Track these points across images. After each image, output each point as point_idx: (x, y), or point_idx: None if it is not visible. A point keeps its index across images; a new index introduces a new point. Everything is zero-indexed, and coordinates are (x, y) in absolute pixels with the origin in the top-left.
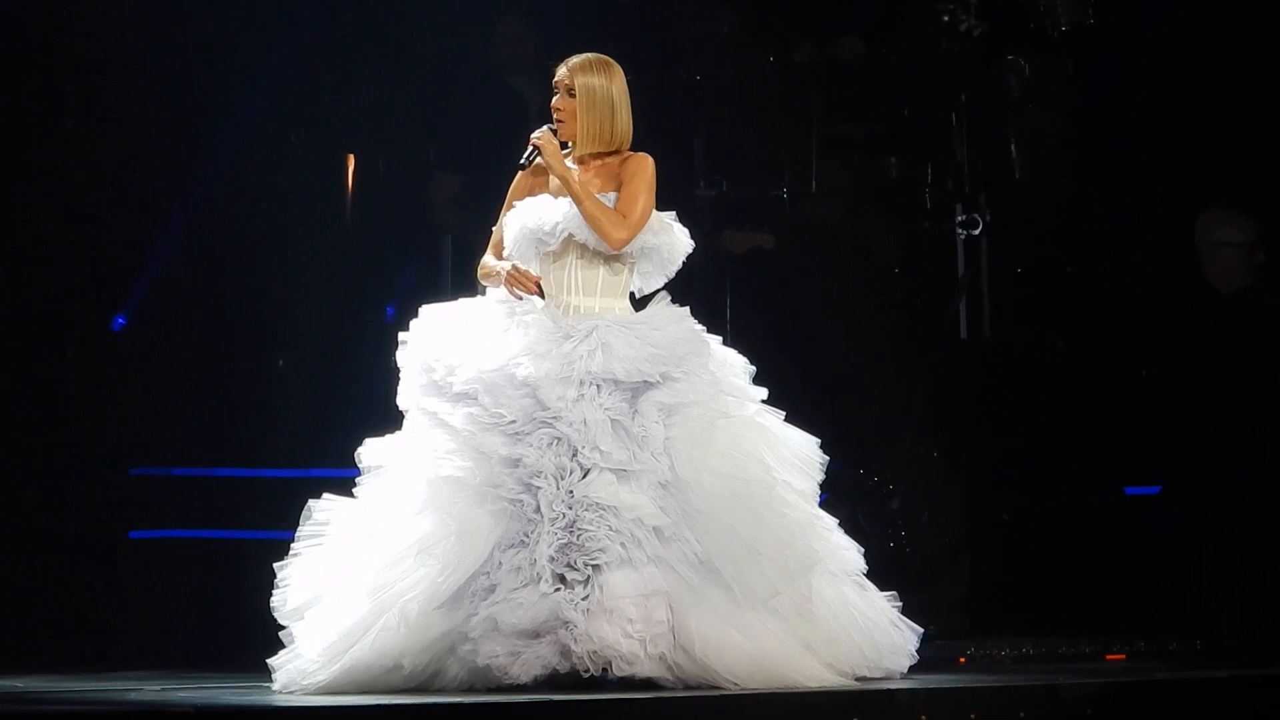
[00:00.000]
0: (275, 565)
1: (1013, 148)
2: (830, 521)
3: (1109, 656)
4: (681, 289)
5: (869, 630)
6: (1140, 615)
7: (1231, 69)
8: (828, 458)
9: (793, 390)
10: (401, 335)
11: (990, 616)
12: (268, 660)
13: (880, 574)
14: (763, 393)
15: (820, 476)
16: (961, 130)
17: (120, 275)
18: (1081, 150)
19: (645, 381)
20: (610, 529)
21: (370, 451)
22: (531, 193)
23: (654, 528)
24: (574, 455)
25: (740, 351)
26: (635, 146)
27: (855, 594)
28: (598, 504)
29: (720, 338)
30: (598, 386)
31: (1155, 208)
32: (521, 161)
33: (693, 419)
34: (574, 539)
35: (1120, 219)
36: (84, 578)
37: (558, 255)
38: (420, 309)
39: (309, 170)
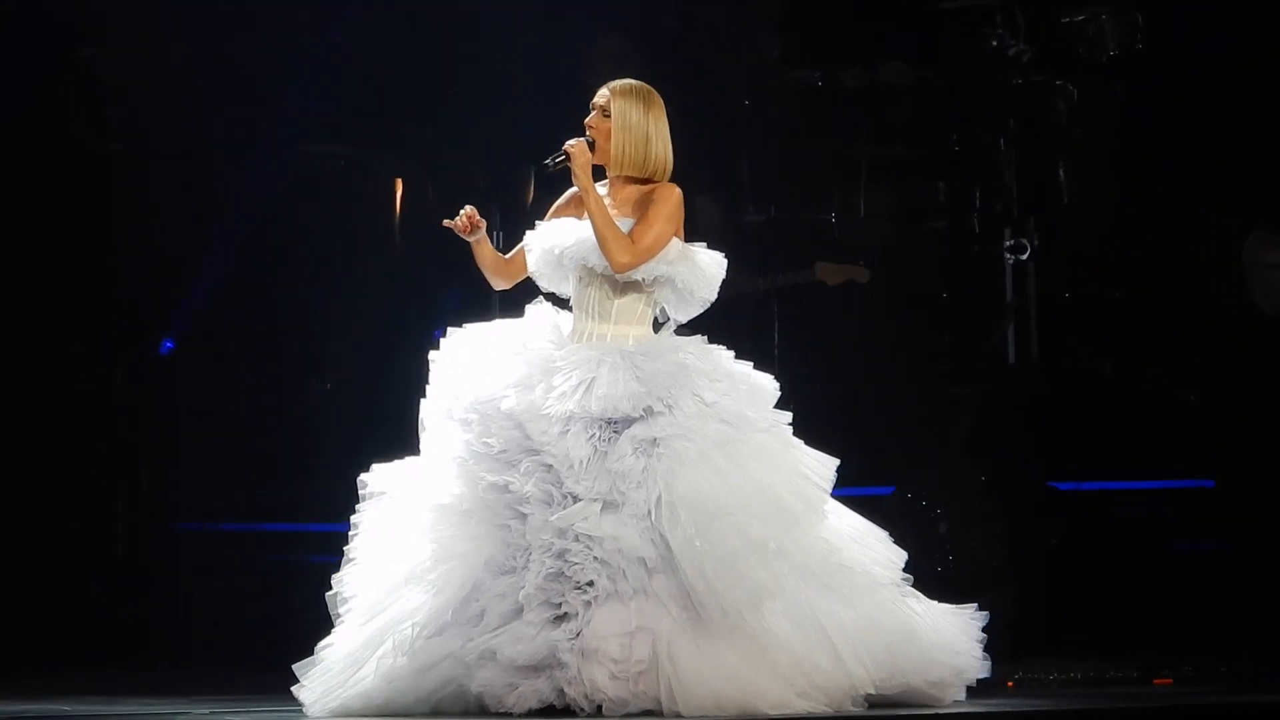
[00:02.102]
0: (346, 548)
1: (1060, 172)
2: (856, 534)
3: (1157, 681)
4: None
5: (898, 645)
6: (1188, 638)
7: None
8: (833, 475)
9: (840, 414)
10: (432, 355)
11: (1037, 640)
12: (294, 667)
13: (928, 596)
14: (784, 416)
15: (826, 495)
16: (1009, 155)
17: (168, 299)
18: (1129, 174)
19: (628, 416)
20: (596, 559)
21: (375, 478)
22: (569, 216)
23: (639, 559)
24: (560, 485)
25: (787, 376)
26: (683, 172)
27: (879, 609)
28: (584, 534)
29: (751, 363)
30: (581, 422)
31: (1202, 231)
32: (547, 162)
33: (673, 452)
34: (563, 569)
35: (1167, 242)
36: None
37: (584, 280)
38: (448, 331)
39: (358, 194)
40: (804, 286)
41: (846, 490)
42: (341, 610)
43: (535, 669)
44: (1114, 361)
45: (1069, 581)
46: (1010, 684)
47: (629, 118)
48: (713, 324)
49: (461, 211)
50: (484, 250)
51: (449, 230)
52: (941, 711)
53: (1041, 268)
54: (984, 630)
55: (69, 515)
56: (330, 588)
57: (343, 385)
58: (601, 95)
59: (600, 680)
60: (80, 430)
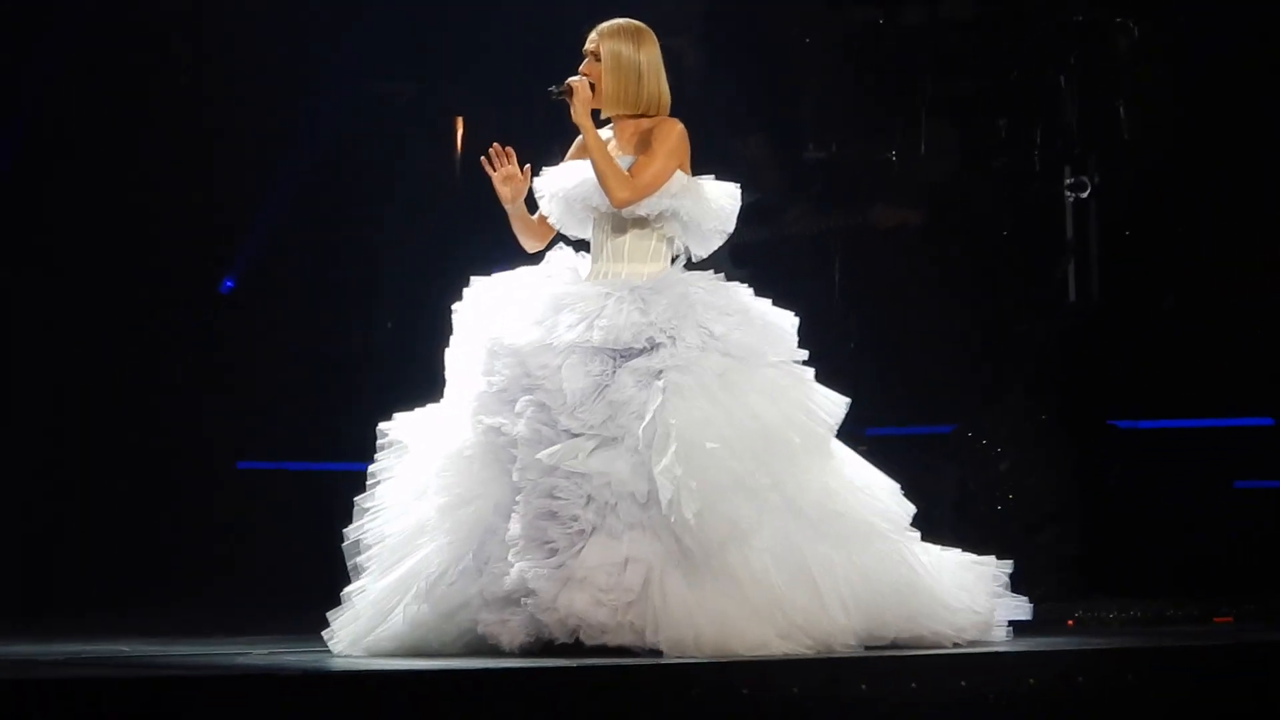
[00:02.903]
0: (356, 498)
1: (1121, 110)
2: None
3: (1217, 619)
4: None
5: (888, 598)
6: (1249, 576)
7: None
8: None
9: (901, 353)
10: (455, 305)
11: (1098, 578)
12: (327, 614)
13: (988, 535)
14: (800, 354)
15: (829, 436)
16: (1070, 92)
17: (229, 238)
18: (1190, 112)
19: (630, 348)
20: (584, 496)
21: (394, 427)
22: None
23: (630, 494)
24: (554, 424)
25: (847, 316)
26: (740, 110)
27: (873, 559)
28: (572, 472)
29: (769, 300)
30: (582, 354)
31: (1265, 168)
32: (551, 88)
33: (673, 384)
34: (551, 506)
35: (1229, 180)
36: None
37: (596, 222)
38: (471, 280)
39: (419, 133)
40: (858, 229)
41: (907, 429)
42: (364, 558)
43: (513, 601)
44: (1175, 299)
45: (1130, 520)
46: (1070, 622)
47: (620, 57)
48: (772, 262)
49: (491, 150)
50: (518, 214)
51: (499, 204)
52: (1004, 649)
53: (1102, 205)
54: (1033, 571)
55: (127, 453)
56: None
57: (404, 325)
58: (591, 40)
59: (579, 605)
60: (138, 367)
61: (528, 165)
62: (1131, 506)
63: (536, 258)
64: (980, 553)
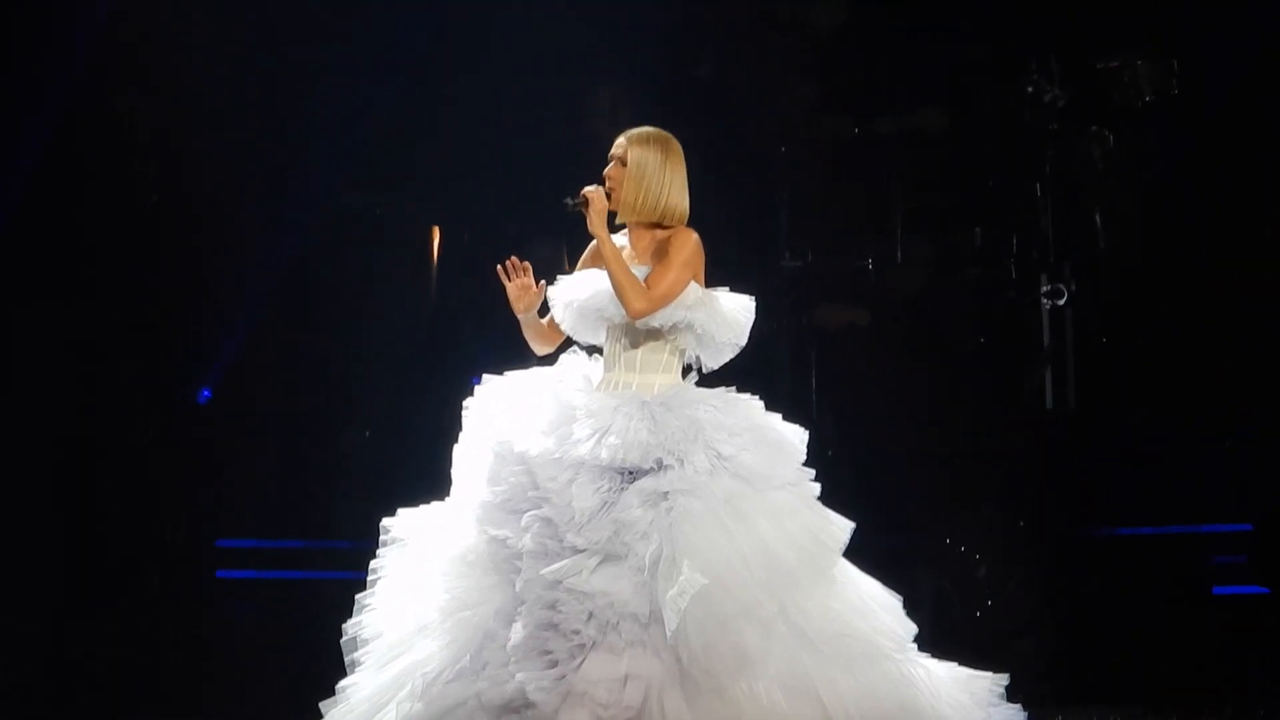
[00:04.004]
0: (358, 595)
1: (1097, 218)
2: (863, 602)
3: None
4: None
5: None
6: (1228, 683)
7: None
8: (846, 539)
9: (879, 461)
10: (466, 402)
11: (1078, 685)
12: (320, 704)
13: (966, 641)
14: (808, 473)
15: (834, 559)
16: (1045, 201)
17: (206, 348)
18: (1165, 220)
19: (639, 467)
20: (586, 612)
21: (397, 523)
22: (593, 268)
23: (632, 613)
24: (560, 539)
25: (823, 422)
26: (719, 218)
27: (879, 679)
28: (575, 589)
29: (780, 414)
30: (591, 472)
31: (1239, 275)
32: (566, 200)
33: (680, 507)
34: (554, 619)
35: (1204, 287)
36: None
37: (611, 331)
38: (483, 378)
39: (394, 242)
40: (806, 330)
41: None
42: (360, 654)
43: (513, 710)
44: (1151, 406)
45: (1108, 626)
46: None
47: (645, 165)
48: (747, 370)
49: (509, 262)
50: (531, 323)
51: (484, 279)
52: None
53: (1078, 313)
54: (1012, 677)
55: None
56: (346, 633)
57: (380, 433)
58: (619, 145)
59: None
60: (117, 480)
61: (543, 282)
62: (1110, 613)
63: (507, 359)
64: (959, 660)
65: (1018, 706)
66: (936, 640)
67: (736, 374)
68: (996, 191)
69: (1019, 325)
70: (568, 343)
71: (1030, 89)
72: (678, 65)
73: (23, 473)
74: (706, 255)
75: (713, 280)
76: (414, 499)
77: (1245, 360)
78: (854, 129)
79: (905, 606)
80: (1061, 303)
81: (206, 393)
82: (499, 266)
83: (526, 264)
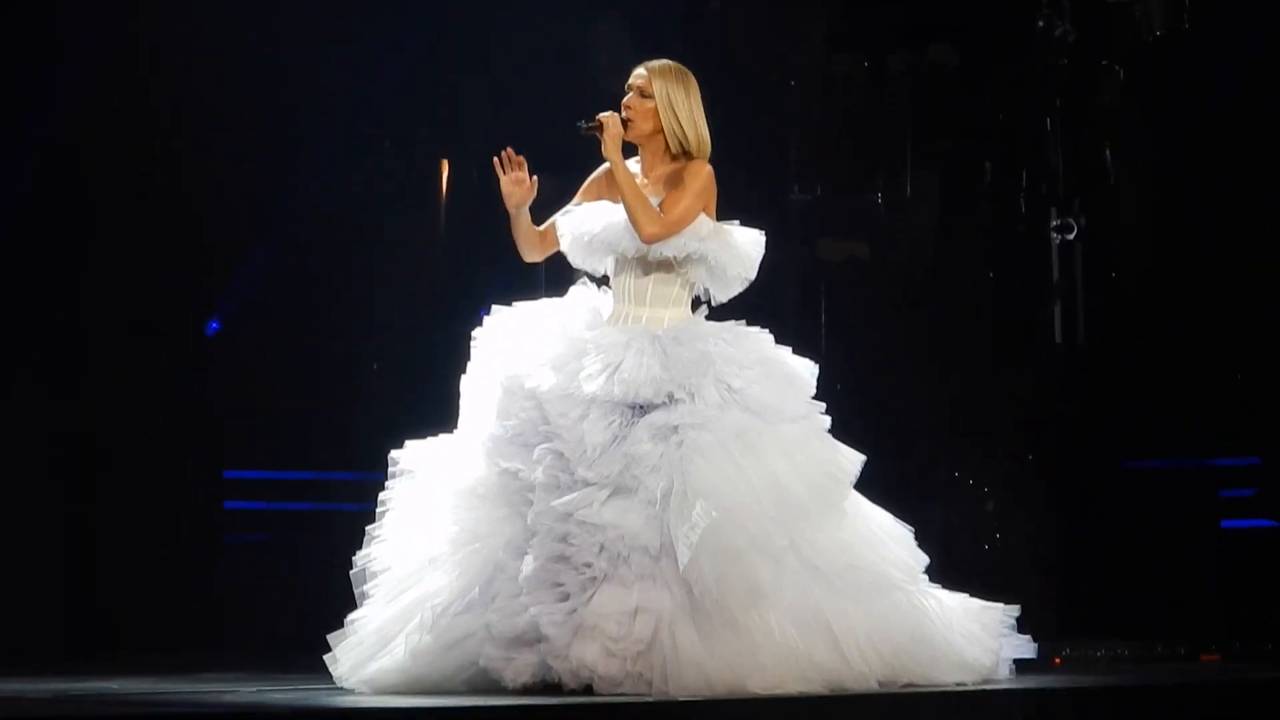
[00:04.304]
0: (368, 528)
1: (1107, 153)
2: (874, 533)
3: (1204, 657)
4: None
5: (905, 646)
6: (1236, 615)
7: None
8: (857, 470)
9: (888, 395)
10: (475, 332)
11: (1085, 618)
12: (328, 636)
13: (974, 575)
14: (818, 405)
15: (845, 492)
16: (1056, 136)
17: (216, 280)
18: (1176, 154)
19: (650, 402)
20: (597, 545)
21: (406, 455)
22: (599, 197)
23: (643, 546)
24: (571, 473)
25: (834, 359)
26: (728, 151)
27: (889, 610)
28: (586, 520)
29: (790, 348)
30: (602, 407)
31: (1250, 210)
32: (580, 123)
33: (691, 441)
34: (565, 551)
35: (1215, 222)
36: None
37: (618, 264)
38: (492, 309)
39: (403, 177)
40: (817, 264)
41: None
42: (369, 586)
43: (525, 643)
44: (1160, 341)
45: (1117, 559)
46: (1058, 660)
47: (674, 98)
48: (756, 303)
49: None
50: (522, 222)
51: (494, 212)
52: (994, 688)
53: (1088, 248)
54: (1028, 611)
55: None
56: (355, 565)
57: (389, 365)
58: (638, 76)
59: (590, 656)
60: (125, 415)
61: (535, 176)
62: (1118, 547)
63: (553, 283)
64: (969, 594)
65: (1027, 637)
66: (946, 574)
67: (746, 308)
68: (1006, 127)
69: (1028, 260)
70: (557, 257)
71: (1041, 24)
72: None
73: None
74: (717, 188)
75: (722, 214)
76: (423, 431)
77: (1256, 293)
78: (864, 64)
79: (915, 540)
80: (1071, 237)
81: (215, 325)
82: (494, 159)
83: (521, 158)
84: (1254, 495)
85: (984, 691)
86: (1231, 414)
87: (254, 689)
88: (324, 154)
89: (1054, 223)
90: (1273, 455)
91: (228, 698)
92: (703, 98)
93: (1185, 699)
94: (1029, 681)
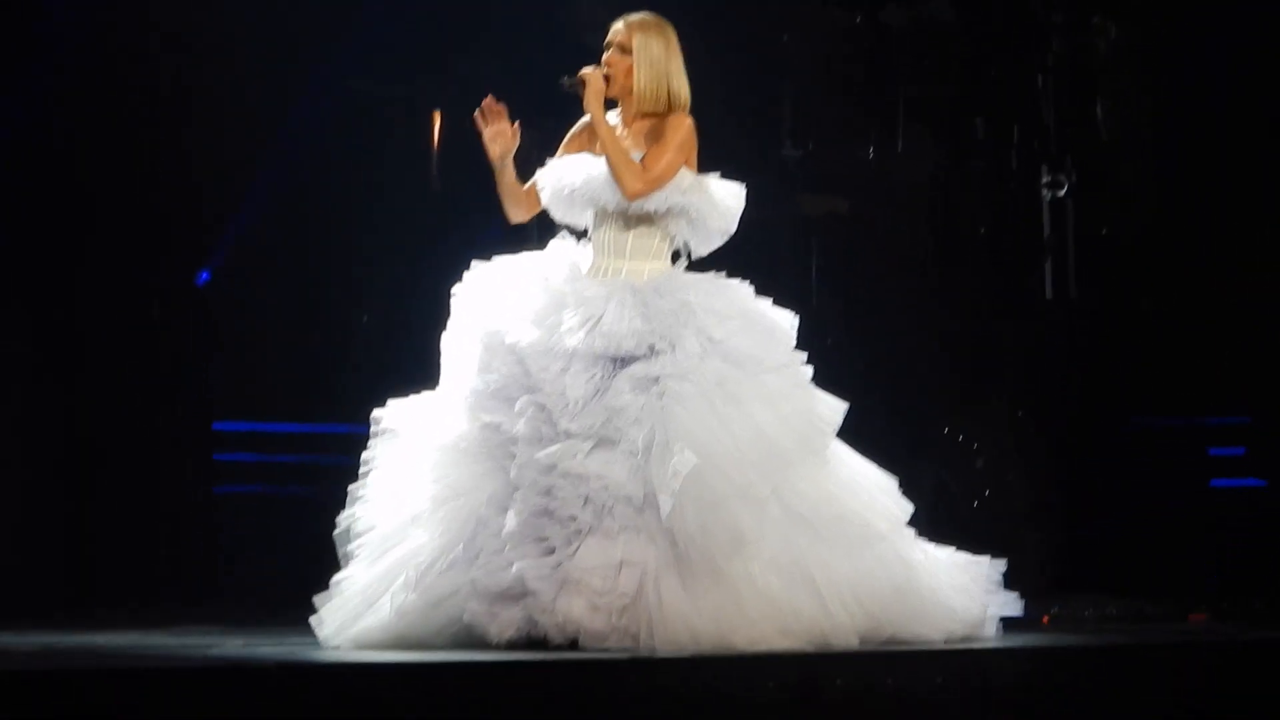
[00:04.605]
0: (350, 486)
1: (1099, 110)
2: (859, 483)
3: (1192, 616)
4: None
5: (889, 598)
6: (1224, 575)
7: None
8: (839, 419)
9: (878, 351)
10: (454, 289)
11: (1074, 576)
12: (315, 599)
13: (965, 532)
14: (799, 356)
15: (828, 441)
16: (1048, 92)
17: (206, 231)
18: (1168, 112)
19: (631, 354)
20: (582, 497)
21: (388, 414)
22: (581, 150)
23: (626, 496)
24: (554, 425)
25: (825, 314)
26: (721, 105)
27: (873, 560)
28: (570, 471)
29: (770, 299)
30: (584, 360)
31: (1244, 165)
32: (563, 79)
33: (672, 391)
34: (549, 505)
35: (1206, 180)
36: (168, 529)
37: (598, 217)
38: (472, 265)
39: (395, 128)
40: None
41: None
42: (354, 546)
43: (510, 597)
44: (1152, 298)
45: (1106, 518)
46: (1046, 619)
47: (651, 52)
48: (747, 258)
49: (484, 103)
50: (506, 176)
51: (488, 165)
52: (981, 646)
53: (1080, 205)
54: (1009, 569)
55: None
56: (339, 525)
57: (381, 318)
58: (617, 31)
59: (577, 611)
60: (117, 362)
61: (518, 122)
62: (1108, 504)
63: (546, 235)
64: (960, 548)
65: (1015, 595)
66: (936, 529)
67: (738, 262)
68: (998, 82)
69: (1020, 216)
70: (542, 217)
71: None
72: None
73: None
74: (703, 142)
75: (715, 167)
76: (414, 385)
77: (1248, 251)
78: (856, 18)
79: (902, 492)
80: (1062, 194)
81: (205, 275)
82: (475, 114)
83: (501, 105)
84: (1244, 454)
85: (973, 650)
86: (1223, 373)
87: (241, 643)
88: (313, 107)
89: (1045, 179)
90: (1263, 414)
91: (213, 652)
92: (695, 51)
93: (1173, 659)
94: (1017, 640)
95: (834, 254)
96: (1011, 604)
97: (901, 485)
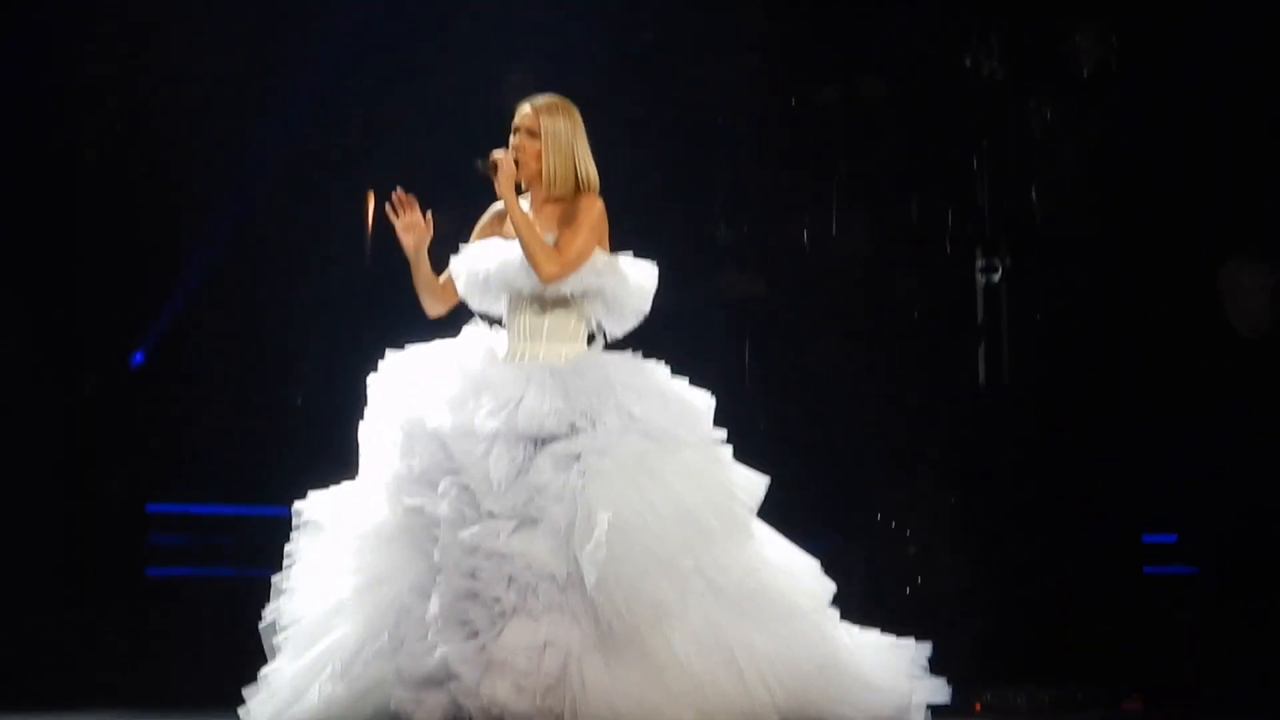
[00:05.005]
0: (274, 577)
1: (1034, 193)
2: (782, 561)
3: (1125, 705)
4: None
5: (811, 676)
6: (1157, 662)
7: (1256, 111)
8: (761, 494)
9: (811, 434)
10: (370, 377)
11: (1007, 662)
12: (243, 690)
13: (896, 618)
14: (718, 434)
15: (749, 515)
16: (983, 174)
17: (139, 312)
18: (1103, 195)
19: (553, 434)
20: (506, 577)
21: (309, 506)
22: (493, 236)
23: (550, 575)
24: (477, 506)
25: (755, 396)
26: (658, 186)
27: (795, 637)
28: (494, 551)
29: (687, 378)
30: (505, 441)
31: (1178, 253)
32: (477, 161)
33: (593, 468)
34: (473, 587)
35: (1143, 264)
36: (100, 613)
37: (513, 302)
38: (386, 353)
39: (329, 209)
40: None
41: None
42: (280, 639)
43: (435, 682)
44: (1085, 382)
45: (1040, 604)
46: (978, 706)
47: (560, 137)
48: (675, 343)
49: (394, 196)
50: (421, 268)
51: (403, 258)
52: None
53: (1014, 289)
54: (940, 656)
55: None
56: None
57: (316, 399)
58: (524, 115)
59: (502, 693)
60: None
61: (429, 212)
62: (1041, 590)
63: (442, 324)
64: (893, 633)
65: (943, 680)
66: (867, 616)
67: (674, 340)
68: (933, 163)
69: (954, 300)
70: (462, 308)
71: (969, 61)
72: (621, 28)
73: None
74: (636, 223)
75: (646, 248)
76: (346, 468)
77: (1181, 338)
78: (792, 99)
79: (837, 582)
80: (997, 278)
81: (139, 356)
82: (385, 206)
83: (412, 196)
84: (1176, 542)
85: None
86: (1156, 458)
87: None
88: (252, 177)
89: (979, 263)
90: (1196, 500)
91: None
92: (629, 134)
93: None
94: None
95: (763, 335)
96: (940, 690)
97: (833, 568)
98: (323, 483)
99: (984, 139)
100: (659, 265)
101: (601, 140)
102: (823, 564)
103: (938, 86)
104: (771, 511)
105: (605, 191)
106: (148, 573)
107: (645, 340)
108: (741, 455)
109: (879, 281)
